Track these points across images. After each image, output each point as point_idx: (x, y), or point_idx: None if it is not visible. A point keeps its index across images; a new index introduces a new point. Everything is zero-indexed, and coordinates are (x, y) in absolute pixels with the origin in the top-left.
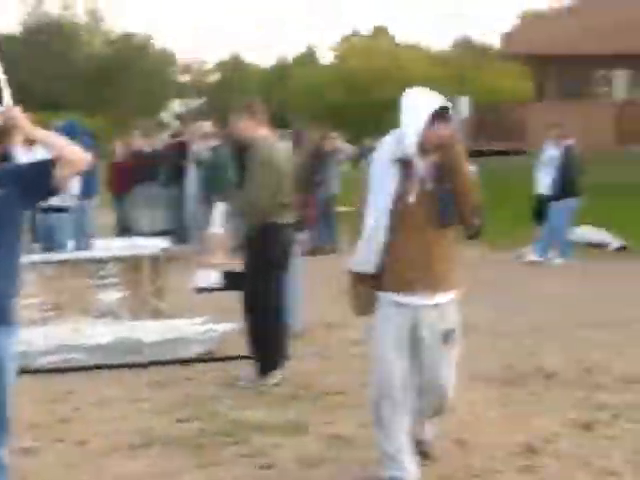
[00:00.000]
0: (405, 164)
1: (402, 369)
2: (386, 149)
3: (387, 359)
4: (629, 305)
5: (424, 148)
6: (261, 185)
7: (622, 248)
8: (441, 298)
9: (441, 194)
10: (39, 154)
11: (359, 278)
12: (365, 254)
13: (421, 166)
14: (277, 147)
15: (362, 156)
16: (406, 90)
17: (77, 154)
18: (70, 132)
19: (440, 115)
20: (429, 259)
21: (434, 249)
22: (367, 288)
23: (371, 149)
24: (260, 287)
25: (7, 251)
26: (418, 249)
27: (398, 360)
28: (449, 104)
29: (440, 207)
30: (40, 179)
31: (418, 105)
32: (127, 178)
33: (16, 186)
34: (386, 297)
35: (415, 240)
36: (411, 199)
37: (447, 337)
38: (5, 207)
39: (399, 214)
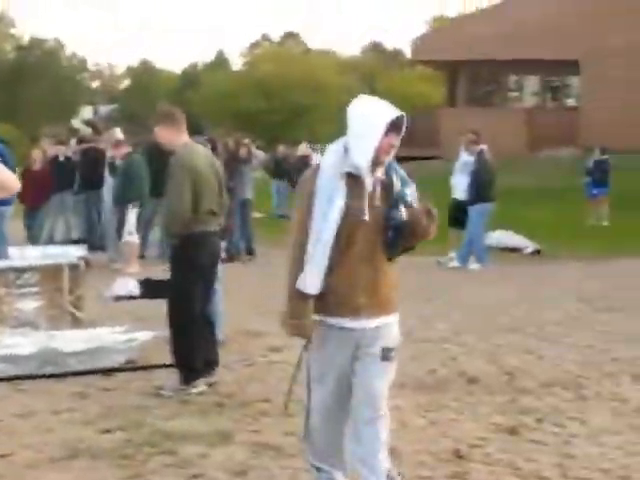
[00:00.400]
0: (354, 178)
1: (341, 395)
2: (332, 161)
3: (327, 387)
4: (544, 308)
5: (375, 161)
6: (183, 193)
7: (537, 252)
8: (384, 320)
9: (394, 225)
10: None
11: (303, 297)
12: (311, 274)
13: (369, 181)
14: (199, 154)
15: (275, 163)
16: (356, 99)
17: (10, 181)
18: None
19: (394, 125)
20: (376, 282)
21: (381, 271)
22: (308, 309)
23: (286, 157)
24: (185, 296)
25: None
26: (366, 271)
27: (338, 387)
28: (403, 113)
29: (390, 238)
30: None
31: (372, 115)
32: (43, 189)
33: None
34: (329, 322)
35: (363, 261)
36: (365, 217)
37: (386, 354)
38: None
39: (348, 232)
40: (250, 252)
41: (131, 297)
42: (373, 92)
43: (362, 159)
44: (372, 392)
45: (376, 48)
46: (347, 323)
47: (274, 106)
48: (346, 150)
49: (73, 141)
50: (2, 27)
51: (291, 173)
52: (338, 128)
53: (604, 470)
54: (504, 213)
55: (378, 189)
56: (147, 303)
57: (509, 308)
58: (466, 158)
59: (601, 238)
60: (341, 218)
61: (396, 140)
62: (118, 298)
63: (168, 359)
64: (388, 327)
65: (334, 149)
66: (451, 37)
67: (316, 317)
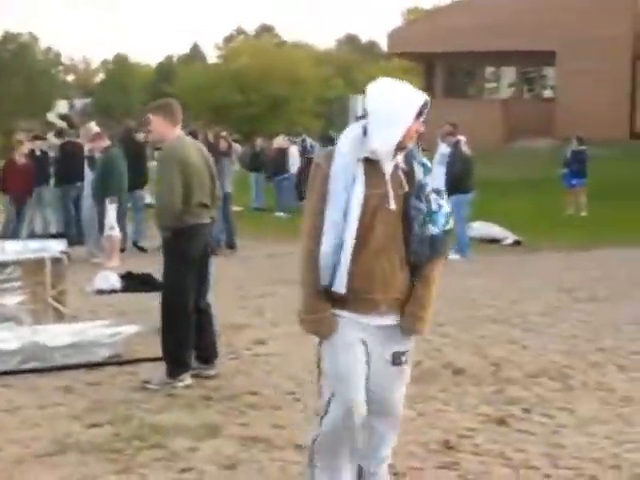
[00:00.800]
0: (372, 164)
1: (362, 393)
2: (349, 146)
3: (350, 385)
4: (527, 299)
5: (398, 146)
6: (174, 186)
7: (517, 243)
8: (397, 319)
9: (421, 236)
10: None
11: (319, 290)
12: (342, 273)
13: (389, 167)
14: (191, 147)
15: (252, 156)
16: (376, 80)
17: None
18: None
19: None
20: (394, 277)
21: (399, 264)
22: (325, 302)
23: (263, 150)
24: (178, 289)
25: None
26: (384, 264)
27: (360, 385)
28: (428, 99)
29: (415, 248)
30: None
31: (403, 99)
32: (28, 183)
33: None
34: (343, 316)
35: (381, 253)
36: (391, 205)
37: (397, 359)
38: None
39: (367, 222)
40: (231, 246)
41: (113, 291)
42: (351, 84)
43: (386, 144)
44: (384, 401)
45: (351, 41)
46: (362, 319)
47: (251, 99)
48: (364, 134)
49: (51, 135)
50: None
51: (268, 166)
52: (317, 119)
53: (595, 459)
54: (482, 204)
55: (399, 176)
56: (128, 297)
57: (492, 299)
58: (443, 150)
59: (580, 228)
60: (361, 207)
61: (421, 125)
62: (100, 292)
63: (153, 353)
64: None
65: (350, 133)
66: (426, 29)
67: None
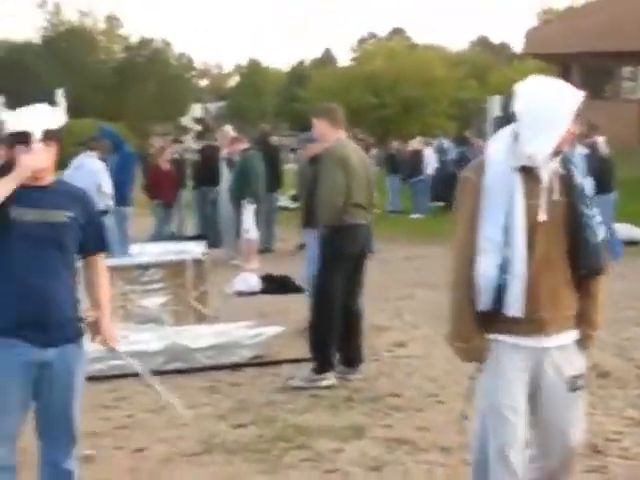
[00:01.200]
0: (527, 172)
1: (523, 426)
2: (502, 155)
3: (509, 416)
4: None
5: (555, 150)
6: (336, 183)
7: None
8: (567, 338)
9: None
10: None
11: (470, 315)
12: (517, 294)
13: (545, 174)
14: (351, 149)
15: (388, 158)
16: (527, 80)
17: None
18: (116, 141)
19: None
20: (559, 292)
21: (563, 278)
22: (477, 328)
23: (399, 152)
24: (329, 287)
25: (70, 271)
26: (548, 280)
27: (520, 416)
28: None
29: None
30: (94, 241)
31: (561, 99)
32: (174, 187)
33: (80, 227)
34: (505, 341)
35: (544, 268)
36: (542, 216)
37: (574, 384)
38: (71, 231)
39: (530, 235)
40: (369, 249)
41: (252, 293)
42: (485, 85)
43: (543, 149)
44: (562, 432)
45: (483, 42)
46: (528, 342)
47: (384, 101)
48: (515, 140)
49: (187, 138)
50: (111, 28)
51: (403, 168)
52: (451, 121)
53: None
54: (619, 206)
55: (556, 183)
56: (267, 299)
57: (634, 301)
58: (580, 151)
59: None
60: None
61: (577, 126)
62: (239, 294)
63: (295, 354)
64: (571, 348)
65: (500, 141)
66: (562, 29)
67: (489, 336)
